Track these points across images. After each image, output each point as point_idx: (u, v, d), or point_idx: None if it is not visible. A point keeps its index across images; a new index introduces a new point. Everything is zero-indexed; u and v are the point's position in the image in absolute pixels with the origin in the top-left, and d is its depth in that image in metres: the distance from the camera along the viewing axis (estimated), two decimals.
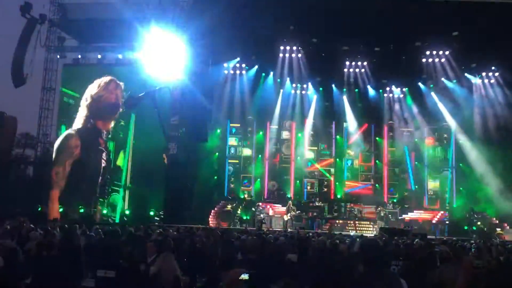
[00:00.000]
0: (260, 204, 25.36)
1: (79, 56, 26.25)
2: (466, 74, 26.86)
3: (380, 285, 3.77)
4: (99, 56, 25.95)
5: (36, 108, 26.24)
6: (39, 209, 23.42)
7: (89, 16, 24.50)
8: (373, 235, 20.44)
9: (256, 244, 6.15)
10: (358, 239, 10.67)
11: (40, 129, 26.20)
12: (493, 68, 26.21)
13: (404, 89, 28.86)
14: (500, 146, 25.37)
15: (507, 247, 12.15)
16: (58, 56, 26.10)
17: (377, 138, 29.03)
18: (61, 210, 22.61)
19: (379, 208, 24.67)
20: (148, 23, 23.48)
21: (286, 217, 24.24)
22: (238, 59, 27.40)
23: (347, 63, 27.65)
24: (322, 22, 23.96)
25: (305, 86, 29.02)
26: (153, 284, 5.79)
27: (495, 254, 9.52)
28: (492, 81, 26.65)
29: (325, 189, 28.61)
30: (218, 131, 27.71)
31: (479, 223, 24.29)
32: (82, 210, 22.55)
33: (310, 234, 15.77)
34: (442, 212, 26.44)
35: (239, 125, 28.87)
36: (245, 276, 3.85)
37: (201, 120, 24.45)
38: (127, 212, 23.22)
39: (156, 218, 22.76)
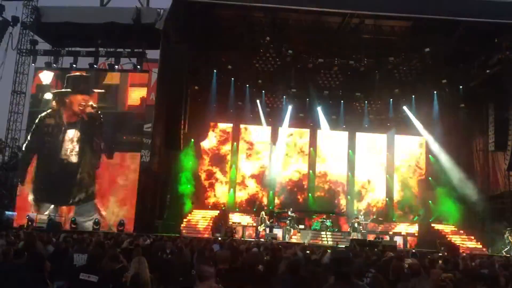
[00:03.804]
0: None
1: (52, 60, 25.73)
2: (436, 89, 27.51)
3: None
4: (72, 61, 25.48)
5: (5, 111, 25.67)
6: (5, 215, 22.76)
7: (64, 20, 24.09)
8: (344, 246, 20.60)
9: (228, 255, 6.11)
10: (328, 251, 10.72)
11: (9, 133, 25.59)
12: (460, 86, 26.88)
13: (377, 103, 29.33)
14: (469, 160, 26.11)
15: (474, 260, 12.40)
16: (31, 61, 25.57)
17: (349, 151, 29.33)
18: (27, 216, 21.98)
19: (353, 220, 24.86)
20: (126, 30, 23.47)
21: (259, 228, 24.24)
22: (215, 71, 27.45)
23: (322, 75, 27.97)
24: (298, 35, 24.27)
25: (280, 96, 29.23)
26: (133, 286, 5.77)
27: (462, 267, 9.69)
28: (462, 97, 27.31)
29: (299, 200, 28.70)
30: (192, 140, 27.54)
31: (447, 236, 24.78)
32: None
33: (281, 245, 15.78)
34: (411, 224, 26.86)
35: (213, 134, 28.81)
36: None
37: (175, 128, 24.29)
38: (96, 219, 22.70)
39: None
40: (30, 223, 21.28)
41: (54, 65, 25.47)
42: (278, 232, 24.09)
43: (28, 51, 25.46)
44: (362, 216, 25.45)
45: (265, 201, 28.26)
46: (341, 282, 3.88)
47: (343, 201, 28.52)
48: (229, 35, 23.95)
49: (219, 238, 18.78)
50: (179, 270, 8.37)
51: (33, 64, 25.51)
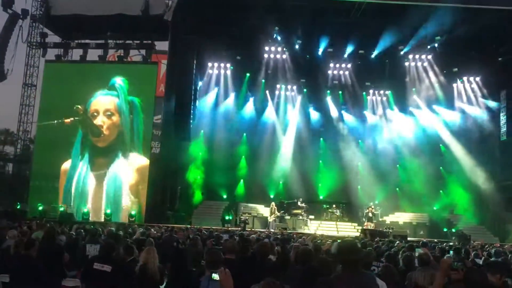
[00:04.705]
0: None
1: (62, 53, 25.88)
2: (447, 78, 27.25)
3: (355, 287, 3.81)
4: (81, 54, 25.58)
5: (17, 104, 25.88)
6: (18, 207, 23.08)
7: (73, 12, 24.19)
8: (355, 236, 20.58)
9: (235, 245, 6.14)
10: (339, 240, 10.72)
11: (21, 126, 25.82)
12: (472, 75, 26.63)
13: (387, 92, 29.14)
14: (480, 149, 25.85)
15: (485, 250, 12.35)
16: (41, 53, 25.73)
17: (359, 141, 29.15)
18: (40, 208, 22.25)
19: (366, 210, 24.78)
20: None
21: (269, 218, 24.31)
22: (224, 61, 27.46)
23: (331, 65, 27.85)
24: (307, 24, 24.11)
25: (289, 87, 29.16)
26: (142, 276, 5.85)
27: (473, 257, 9.67)
28: (473, 85, 27.07)
29: (309, 190, 28.53)
30: (202, 131, 27.58)
31: (458, 225, 24.67)
32: (62, 209, 22.22)
33: (293, 235, 15.85)
34: (422, 214, 26.72)
35: (222, 125, 28.73)
36: (215, 276, 3.87)
37: (184, 119, 24.38)
38: (108, 211, 22.91)
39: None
40: (43, 214, 21.52)
41: (64, 58, 25.65)
42: (289, 223, 24.13)
43: (38, 44, 25.61)
44: (374, 206, 25.35)
45: (275, 191, 28.22)
46: (348, 271, 3.89)
47: (354, 191, 28.31)
48: (238, 26, 23.84)
49: (229, 229, 18.86)
50: (190, 260, 8.44)
51: (43, 57, 25.69)
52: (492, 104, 26.22)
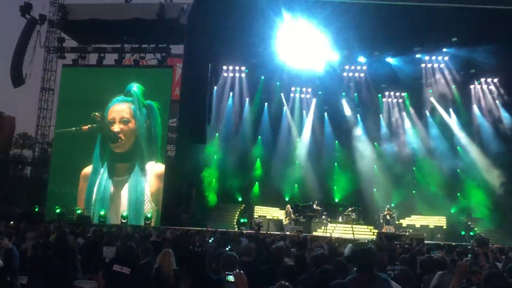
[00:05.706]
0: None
1: (78, 57, 26.24)
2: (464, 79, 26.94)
3: None
4: (98, 58, 25.88)
5: (35, 108, 26.26)
6: (36, 209, 23.40)
7: (89, 17, 24.52)
8: (371, 239, 20.40)
9: (250, 247, 6.14)
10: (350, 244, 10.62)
11: (39, 130, 26.19)
12: (489, 76, 26.29)
13: (403, 94, 28.90)
14: (498, 152, 25.45)
15: (505, 253, 12.16)
16: (58, 57, 26.11)
17: (375, 143, 28.92)
18: (58, 210, 22.52)
19: (385, 212, 24.54)
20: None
21: (284, 221, 24.25)
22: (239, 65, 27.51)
23: (346, 67, 27.73)
24: (322, 25, 24.00)
25: (304, 89, 29.12)
26: (156, 279, 5.89)
27: (492, 260, 9.52)
28: (491, 86, 26.69)
29: (324, 193, 28.39)
30: (217, 134, 27.66)
31: (476, 228, 24.31)
32: (79, 212, 22.47)
33: (308, 237, 15.78)
34: (439, 217, 26.37)
35: (237, 128, 28.78)
36: (230, 278, 3.87)
37: (200, 122, 24.46)
38: (124, 213, 23.08)
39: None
40: (60, 217, 21.78)
41: (81, 62, 26.00)
42: (304, 225, 24.03)
43: (55, 49, 25.98)
44: (390, 208, 25.09)
45: (290, 194, 28.13)
46: (363, 274, 3.86)
47: (369, 194, 28.08)
48: (253, 29, 23.86)
49: (245, 232, 18.84)
50: (206, 262, 8.46)
51: (60, 61, 26.09)
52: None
